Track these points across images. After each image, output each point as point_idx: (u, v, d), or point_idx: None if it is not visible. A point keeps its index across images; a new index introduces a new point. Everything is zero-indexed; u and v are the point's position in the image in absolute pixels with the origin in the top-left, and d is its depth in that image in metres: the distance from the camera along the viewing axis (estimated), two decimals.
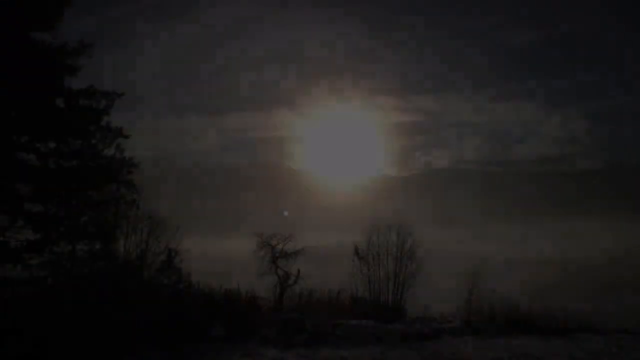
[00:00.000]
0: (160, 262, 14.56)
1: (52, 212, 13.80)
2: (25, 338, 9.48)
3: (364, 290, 15.12)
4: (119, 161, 14.70)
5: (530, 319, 13.73)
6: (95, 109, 14.55)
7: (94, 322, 10.11)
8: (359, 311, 14.34)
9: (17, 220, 13.31)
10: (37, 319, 10.12)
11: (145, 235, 14.30)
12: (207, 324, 11.91)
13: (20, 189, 13.51)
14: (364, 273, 15.16)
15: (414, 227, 15.56)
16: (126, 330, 10.47)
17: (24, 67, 13.33)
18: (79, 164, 14.39)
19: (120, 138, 14.89)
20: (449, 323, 13.76)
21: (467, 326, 13.40)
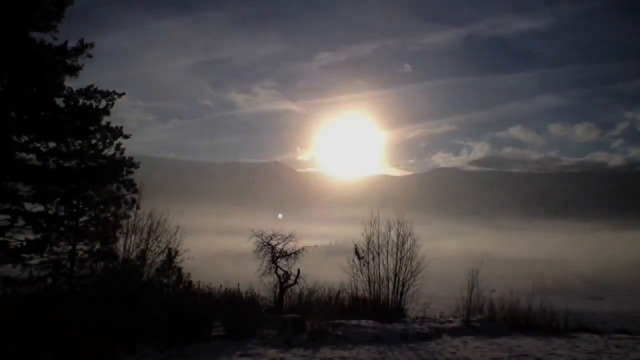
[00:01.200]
0: (160, 262, 14.56)
1: (52, 212, 13.84)
2: (26, 338, 9.47)
3: (364, 290, 15.07)
4: (119, 161, 14.74)
5: (530, 319, 13.72)
6: (95, 109, 14.59)
7: (93, 322, 10.11)
8: (359, 311, 14.32)
9: (17, 220, 13.34)
10: (37, 319, 10.12)
11: (145, 235, 14.29)
12: (207, 324, 11.91)
13: (20, 189, 13.55)
14: (364, 273, 15.11)
15: (415, 227, 15.51)
16: (126, 330, 10.46)
17: (23, 68, 13.36)
18: (79, 164, 14.43)
19: (120, 138, 14.94)
20: (449, 323, 13.75)
21: (467, 326, 13.39)
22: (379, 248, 15.14)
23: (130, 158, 14.90)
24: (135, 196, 14.75)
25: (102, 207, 14.50)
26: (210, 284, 15.10)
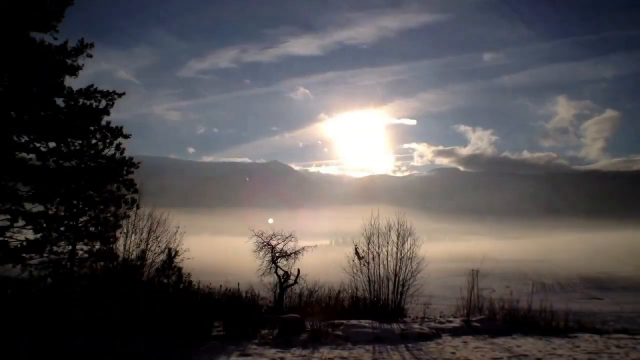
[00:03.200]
0: (160, 262, 14.55)
1: (52, 212, 13.83)
2: (26, 338, 9.47)
3: (364, 290, 15.06)
4: (119, 161, 14.73)
5: (530, 319, 13.72)
6: (95, 109, 14.58)
7: (94, 322, 10.11)
8: (359, 311, 14.33)
9: (17, 220, 13.33)
10: (37, 319, 10.12)
11: (145, 235, 14.28)
12: (207, 324, 11.91)
13: (20, 189, 13.53)
14: (364, 273, 15.10)
15: (415, 227, 15.51)
16: (126, 330, 10.47)
17: (24, 67, 13.34)
18: (79, 164, 14.42)
19: (120, 138, 14.93)
20: (449, 323, 13.75)
21: (467, 326, 13.39)
22: (379, 248, 15.13)
23: (131, 158, 14.89)
24: (135, 196, 14.74)
25: (102, 207, 14.49)
26: (210, 284, 15.10)
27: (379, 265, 15.03)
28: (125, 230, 14.27)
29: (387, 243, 15.13)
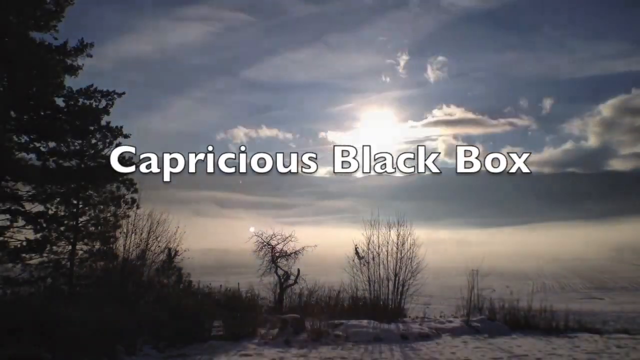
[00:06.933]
0: (160, 262, 14.54)
1: (52, 212, 13.84)
2: (26, 338, 9.47)
3: (364, 290, 15.06)
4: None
5: (530, 319, 13.72)
6: (95, 108, 14.59)
7: (93, 322, 10.10)
8: (359, 311, 14.32)
9: (17, 220, 13.34)
10: (37, 319, 10.11)
11: (145, 235, 14.26)
12: (207, 324, 11.91)
13: (20, 189, 13.55)
14: (364, 273, 15.09)
15: (415, 227, 15.49)
16: (126, 330, 10.46)
17: (23, 67, 13.35)
18: (79, 164, 14.43)
19: (120, 138, 14.94)
20: (449, 323, 13.74)
21: (467, 326, 13.39)
22: (379, 248, 15.12)
23: (131, 157, 14.90)
24: (135, 196, 14.75)
25: (102, 207, 14.50)
26: (210, 284, 15.11)
27: (379, 265, 15.03)
28: (125, 230, 14.25)
29: (387, 243, 15.12)
